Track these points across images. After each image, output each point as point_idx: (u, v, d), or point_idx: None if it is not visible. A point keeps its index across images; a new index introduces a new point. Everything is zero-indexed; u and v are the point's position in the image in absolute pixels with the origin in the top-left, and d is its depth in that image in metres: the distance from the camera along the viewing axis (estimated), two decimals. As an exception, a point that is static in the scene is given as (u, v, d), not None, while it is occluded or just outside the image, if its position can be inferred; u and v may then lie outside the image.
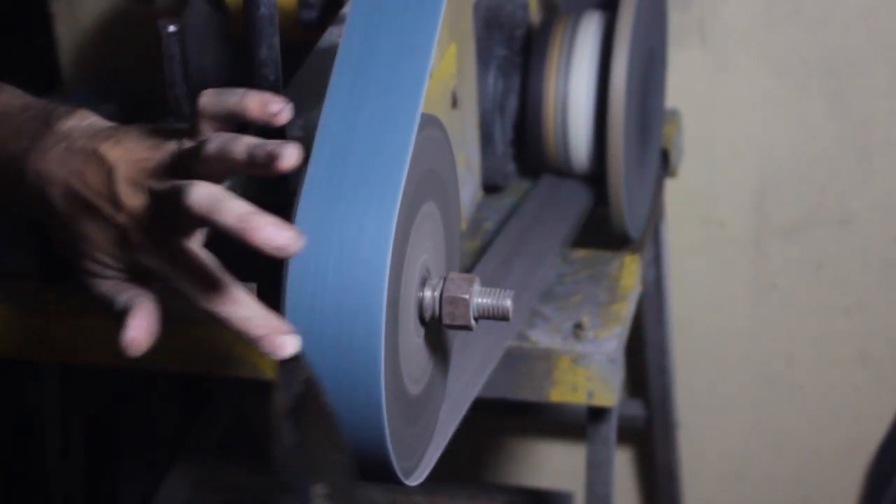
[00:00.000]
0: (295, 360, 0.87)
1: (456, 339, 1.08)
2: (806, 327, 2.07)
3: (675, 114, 1.88)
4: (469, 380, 1.15)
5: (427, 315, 0.96)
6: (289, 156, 0.82)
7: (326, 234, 0.88)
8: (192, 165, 0.87)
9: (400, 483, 0.95)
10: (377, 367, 0.88)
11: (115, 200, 0.88)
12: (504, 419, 2.22)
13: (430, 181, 0.97)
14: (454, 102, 1.43)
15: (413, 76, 0.93)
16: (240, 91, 0.87)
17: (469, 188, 1.55)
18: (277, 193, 1.02)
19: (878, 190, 1.95)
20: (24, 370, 1.74)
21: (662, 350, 2.00)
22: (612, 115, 1.51)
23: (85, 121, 0.93)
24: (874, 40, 1.87)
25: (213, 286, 0.87)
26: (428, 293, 0.96)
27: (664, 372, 2.02)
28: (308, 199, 0.89)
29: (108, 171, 0.88)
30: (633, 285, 1.52)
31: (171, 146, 0.89)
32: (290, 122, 1.06)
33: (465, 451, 2.16)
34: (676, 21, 1.87)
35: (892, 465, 2.10)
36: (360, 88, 0.93)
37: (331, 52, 1.11)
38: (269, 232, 0.81)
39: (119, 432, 2.13)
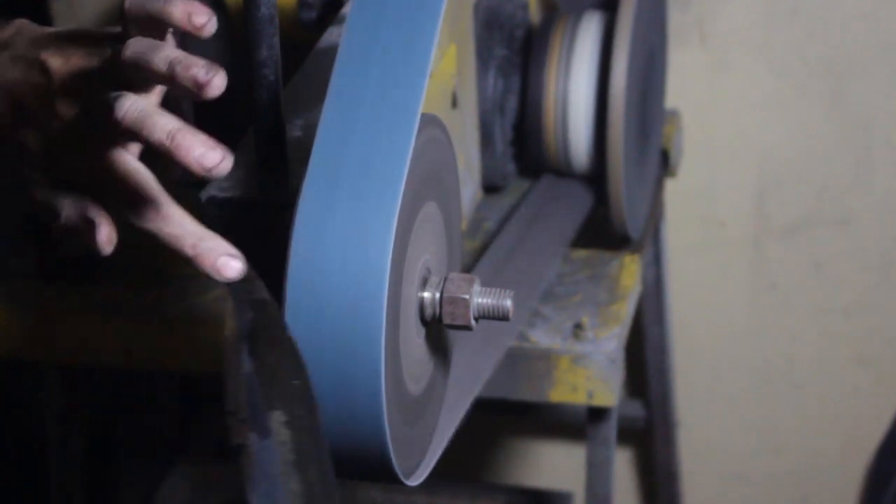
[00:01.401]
0: (245, 284, 0.84)
1: (456, 339, 1.08)
2: (806, 327, 2.07)
3: (675, 114, 1.88)
4: (469, 380, 1.15)
5: (427, 315, 0.97)
6: (216, 86, 0.79)
7: (327, 234, 0.88)
8: (115, 74, 0.84)
9: (400, 483, 0.95)
10: (378, 366, 0.88)
11: (50, 109, 0.87)
12: (504, 419, 2.22)
13: (431, 181, 0.97)
14: (454, 102, 1.43)
15: (413, 76, 0.93)
16: None
17: (469, 188, 1.55)
18: (277, 193, 1.02)
19: (878, 190, 1.95)
20: (24, 370, 1.74)
21: (662, 350, 2.00)
22: (612, 115, 1.51)
23: (25, 28, 0.92)
24: (874, 40, 1.87)
25: (142, 201, 0.85)
26: (428, 293, 0.96)
27: (664, 372, 2.02)
28: (308, 199, 0.89)
29: (48, 79, 0.87)
30: (633, 285, 1.52)
31: (107, 52, 0.87)
32: (290, 122, 1.06)
33: (465, 451, 2.16)
34: (676, 21, 1.87)
35: (892, 465, 2.10)
36: (360, 88, 0.93)
37: (331, 52, 1.11)
38: (198, 151, 0.79)
39: (119, 432, 2.13)
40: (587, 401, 1.44)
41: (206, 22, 0.82)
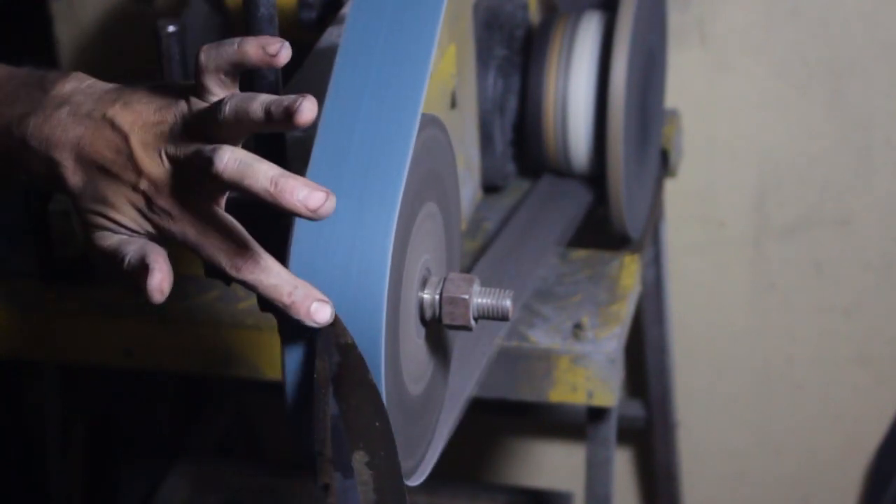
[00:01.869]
0: (332, 328, 0.86)
1: (457, 339, 1.08)
2: (806, 327, 2.07)
3: (675, 114, 1.88)
4: (464, 378, 1.15)
5: (427, 315, 0.97)
6: (306, 109, 0.81)
7: (327, 234, 0.88)
8: (208, 128, 0.86)
9: (400, 483, 0.95)
10: (378, 366, 0.88)
11: (135, 167, 0.87)
12: (504, 419, 2.22)
13: (431, 181, 0.97)
14: (454, 102, 1.43)
15: (413, 76, 0.93)
16: (236, 40, 0.86)
17: (469, 188, 1.55)
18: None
19: (878, 190, 1.95)
20: (24, 370, 1.74)
21: (662, 350, 2.00)
22: (611, 115, 1.51)
23: (83, 83, 0.92)
24: (874, 40, 1.87)
25: (241, 253, 0.86)
26: (428, 293, 0.96)
27: (664, 372, 2.02)
28: (308, 199, 0.89)
29: (122, 138, 0.87)
30: (633, 285, 1.52)
31: (182, 107, 0.88)
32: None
33: (465, 451, 2.16)
34: (676, 21, 1.87)
35: (892, 465, 2.10)
36: (360, 88, 0.93)
37: (331, 52, 1.11)
38: (303, 193, 0.81)
39: (119, 432, 2.13)
40: (587, 401, 1.43)
41: (279, 48, 0.85)
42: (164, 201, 0.87)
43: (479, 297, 0.97)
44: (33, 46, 1.94)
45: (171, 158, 0.86)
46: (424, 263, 0.96)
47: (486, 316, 0.97)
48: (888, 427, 2.10)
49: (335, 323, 0.86)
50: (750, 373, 2.13)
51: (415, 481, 0.98)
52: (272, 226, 0.92)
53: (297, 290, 0.86)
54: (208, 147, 0.84)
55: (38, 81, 0.93)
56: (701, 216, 2.02)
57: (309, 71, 1.19)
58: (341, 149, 0.91)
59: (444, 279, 0.97)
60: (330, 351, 0.86)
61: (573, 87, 1.57)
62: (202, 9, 1.52)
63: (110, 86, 0.92)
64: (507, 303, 0.97)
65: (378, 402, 0.85)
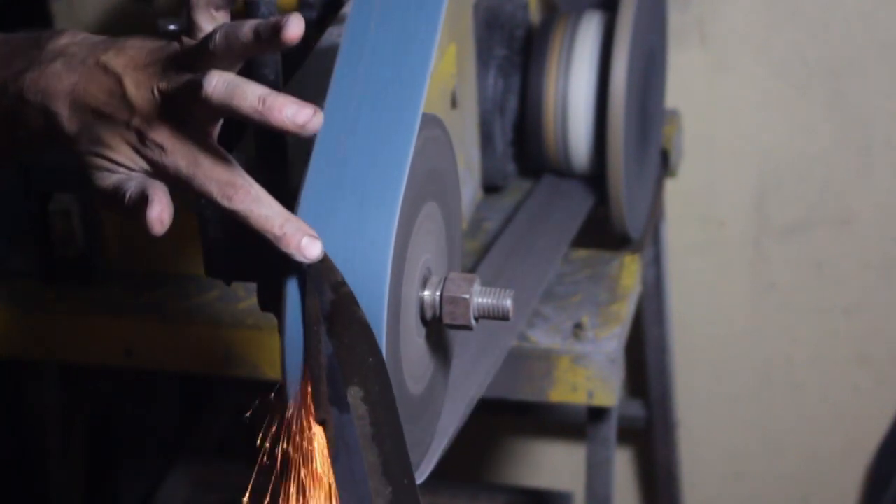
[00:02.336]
0: (322, 266, 0.86)
1: (457, 339, 1.08)
2: (806, 327, 2.07)
3: (675, 114, 1.88)
4: (471, 380, 1.15)
5: (428, 315, 0.97)
6: (294, 25, 0.81)
7: (327, 234, 0.88)
8: (200, 60, 0.86)
9: (400, 483, 0.95)
10: (378, 366, 0.88)
11: (128, 106, 0.88)
12: (504, 419, 2.22)
13: (431, 181, 0.97)
14: (454, 102, 1.43)
15: (413, 76, 0.93)
16: None
17: (469, 188, 1.55)
18: (277, 193, 1.02)
19: (878, 190, 1.95)
20: (24, 370, 1.74)
21: (662, 350, 2.00)
22: (612, 115, 1.51)
23: (77, 37, 0.93)
24: (874, 40, 1.87)
25: (233, 182, 0.86)
26: (429, 293, 0.96)
27: (664, 372, 2.02)
28: (309, 199, 0.89)
29: (116, 80, 0.88)
30: (633, 285, 1.52)
31: (174, 46, 0.89)
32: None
33: (465, 451, 2.16)
34: (676, 21, 1.87)
35: (892, 465, 2.10)
36: (360, 89, 0.93)
37: (331, 52, 1.11)
38: (290, 111, 0.82)
39: (119, 432, 2.13)
40: (587, 401, 1.43)
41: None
42: (156, 135, 0.87)
43: (480, 297, 0.97)
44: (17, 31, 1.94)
45: (162, 92, 0.87)
46: (425, 263, 0.96)
47: (486, 315, 0.97)
48: (888, 427, 2.10)
49: (325, 261, 0.86)
50: (750, 373, 2.12)
51: (415, 481, 0.98)
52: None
53: (289, 223, 0.86)
54: (197, 75, 0.85)
55: (34, 41, 0.95)
56: (701, 216, 2.02)
57: (309, 71, 1.19)
58: (342, 149, 0.91)
59: (445, 279, 0.96)
60: (320, 289, 0.86)
61: (573, 87, 1.57)
62: (202, 9, 1.52)
63: (103, 37, 0.93)
64: (508, 302, 0.97)
65: (371, 338, 0.85)
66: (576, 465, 1.88)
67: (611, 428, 1.53)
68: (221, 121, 0.89)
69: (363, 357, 0.84)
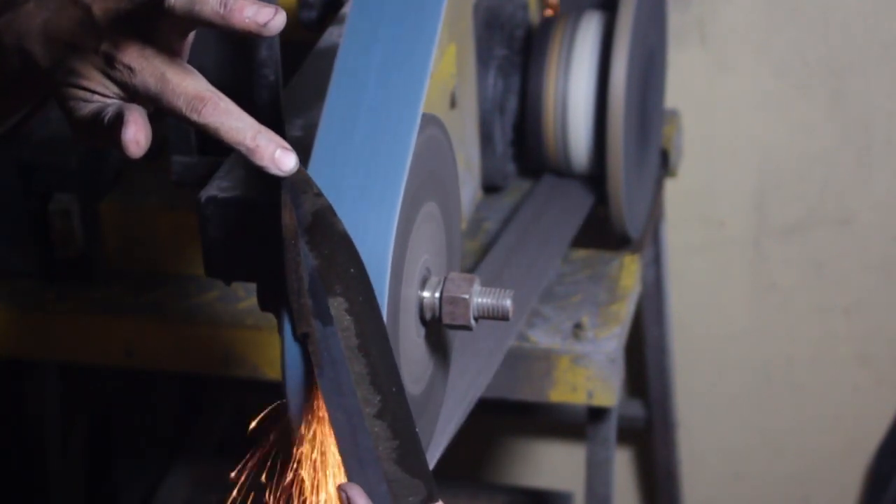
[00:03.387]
0: (298, 178, 0.85)
1: (456, 339, 1.08)
2: (806, 327, 2.07)
3: (675, 114, 1.88)
4: (471, 380, 1.15)
5: (428, 315, 0.96)
6: (276, 20, 0.82)
7: (327, 233, 0.88)
8: (157, 17, 0.86)
9: (400, 483, 0.95)
10: (377, 366, 0.88)
11: (96, 31, 0.88)
12: (504, 419, 2.22)
13: (431, 181, 0.97)
14: (453, 102, 1.43)
15: (414, 76, 0.93)
16: None
17: (469, 188, 1.55)
18: (277, 193, 1.02)
19: (878, 190, 1.95)
20: (24, 370, 1.74)
21: (662, 350, 2.00)
22: (612, 115, 1.51)
23: None
24: (874, 40, 1.87)
25: (201, 96, 0.86)
26: (428, 293, 0.96)
27: (664, 372, 2.02)
28: (308, 198, 0.89)
29: (84, 10, 0.89)
30: (633, 285, 1.52)
31: None
32: (290, 122, 1.07)
33: (465, 451, 2.16)
34: (676, 21, 1.87)
35: (892, 465, 2.10)
36: (360, 88, 0.93)
37: (331, 52, 1.11)
38: (251, 10, 0.82)
39: (119, 432, 2.13)
40: (587, 401, 1.43)
41: None
42: (123, 56, 0.88)
43: (480, 297, 0.97)
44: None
45: (127, 13, 0.88)
46: (424, 263, 0.96)
47: (486, 316, 0.97)
48: (888, 427, 2.10)
49: (300, 172, 0.85)
50: (750, 373, 2.12)
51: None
52: (271, 227, 0.92)
53: (261, 135, 0.85)
54: None
55: None
56: (701, 216, 2.02)
57: (309, 71, 1.19)
58: (342, 148, 0.91)
59: (445, 279, 0.96)
60: (297, 201, 0.85)
61: (573, 87, 1.57)
62: (202, 9, 1.52)
63: None
64: (508, 302, 0.97)
65: (351, 248, 0.84)
66: (576, 465, 1.88)
67: (611, 428, 1.53)
68: (190, 38, 0.89)
69: (345, 268, 0.83)
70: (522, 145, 1.63)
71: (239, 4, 0.82)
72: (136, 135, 0.87)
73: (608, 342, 1.42)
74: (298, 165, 0.85)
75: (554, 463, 2.25)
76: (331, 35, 1.25)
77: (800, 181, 1.97)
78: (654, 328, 1.97)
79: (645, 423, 2.10)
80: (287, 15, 1.28)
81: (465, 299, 0.95)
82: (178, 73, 0.87)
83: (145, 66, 0.87)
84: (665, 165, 1.81)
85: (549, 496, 1.94)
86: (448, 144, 1.01)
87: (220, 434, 2.14)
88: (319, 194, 0.85)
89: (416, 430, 0.85)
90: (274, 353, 1.43)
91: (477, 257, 1.47)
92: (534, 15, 1.69)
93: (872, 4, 1.85)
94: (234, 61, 1.50)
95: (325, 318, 0.82)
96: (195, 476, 1.95)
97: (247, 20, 0.82)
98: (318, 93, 0.95)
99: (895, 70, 1.89)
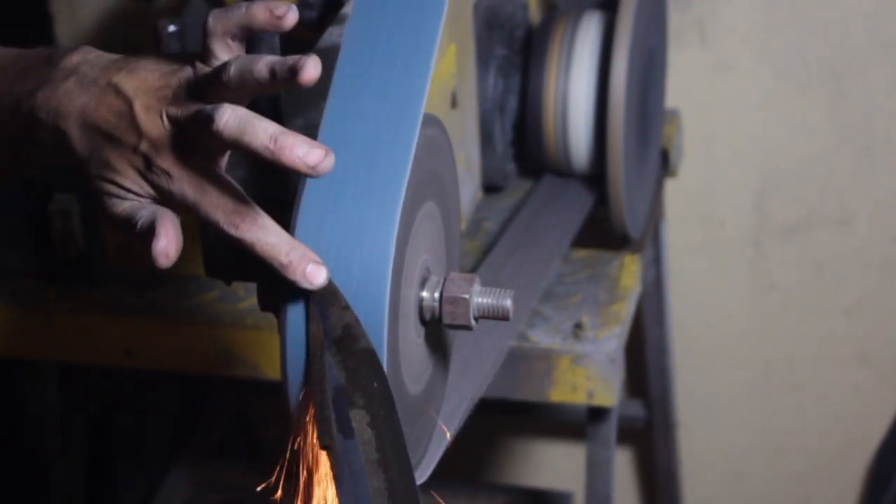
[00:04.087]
0: (326, 291, 0.86)
1: (456, 339, 1.08)
2: (806, 327, 2.07)
3: (675, 114, 1.88)
4: (471, 380, 1.15)
5: (427, 315, 0.96)
6: (311, 67, 0.82)
7: (327, 234, 0.88)
8: (212, 91, 0.86)
9: (400, 483, 0.95)
10: (377, 366, 0.88)
11: (136, 130, 0.87)
12: (504, 419, 2.22)
13: (431, 181, 0.97)
14: (454, 102, 1.43)
15: (414, 76, 0.93)
16: (244, 3, 0.87)
17: (469, 188, 1.55)
18: (280, 192, 1.02)
19: (878, 190, 1.95)
20: (24, 370, 1.74)
21: (662, 350, 2.00)
22: (612, 115, 1.51)
23: (90, 55, 0.93)
24: (874, 40, 1.87)
25: (239, 211, 0.86)
26: (428, 293, 0.96)
27: (664, 372, 2.02)
28: (309, 199, 0.89)
29: (126, 102, 0.88)
30: (633, 285, 1.52)
31: (187, 71, 0.88)
32: (290, 122, 1.06)
33: (465, 451, 2.16)
34: (676, 21, 1.87)
35: (892, 465, 2.10)
36: (361, 88, 0.93)
37: (331, 52, 1.11)
38: (303, 150, 0.82)
39: (119, 432, 2.13)
40: (587, 401, 1.43)
41: (286, 11, 0.85)
42: (163, 161, 0.87)
43: (480, 297, 0.97)
44: (33, 46, 1.94)
45: (171, 119, 0.87)
46: (424, 263, 0.96)
47: (486, 315, 0.97)
48: (888, 427, 2.10)
49: (329, 285, 0.86)
50: (750, 373, 2.12)
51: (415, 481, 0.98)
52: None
53: (295, 251, 0.86)
54: (209, 106, 0.84)
55: (47, 58, 0.94)
56: (701, 216, 2.02)
57: (309, 71, 1.19)
58: (342, 148, 0.90)
59: (445, 279, 0.96)
60: (325, 313, 0.86)
61: (573, 87, 1.57)
62: (202, 9, 1.52)
63: (117, 56, 0.93)
64: (508, 302, 0.97)
65: (376, 363, 0.85)
66: (576, 465, 1.88)
67: (611, 428, 1.53)
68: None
69: (368, 381, 0.84)
70: (522, 145, 1.63)
71: (290, 142, 0.82)
72: (167, 247, 0.87)
73: (608, 342, 1.42)
74: (329, 279, 0.86)
75: (554, 463, 2.26)
76: (331, 35, 1.25)
77: (800, 181, 1.97)
78: (654, 328, 1.97)
79: (645, 423, 2.10)
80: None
81: (465, 299, 0.95)
82: (217, 185, 0.86)
83: (185, 175, 0.87)
84: (665, 165, 1.81)
85: (549, 496, 1.94)
86: (448, 144, 1.01)
87: (220, 434, 2.14)
88: (347, 307, 0.86)
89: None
90: (274, 353, 1.43)
91: (477, 257, 1.47)
92: (534, 15, 1.69)
93: (872, 4, 1.85)
94: (234, 61, 1.50)
95: (347, 431, 0.83)
96: (195, 476, 1.95)
97: (297, 160, 0.82)
98: (318, 93, 0.95)
99: (895, 70, 1.89)
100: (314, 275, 0.86)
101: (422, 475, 0.99)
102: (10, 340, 1.53)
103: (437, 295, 0.96)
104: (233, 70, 0.85)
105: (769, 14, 1.88)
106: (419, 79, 0.93)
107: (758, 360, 2.11)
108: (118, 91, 0.88)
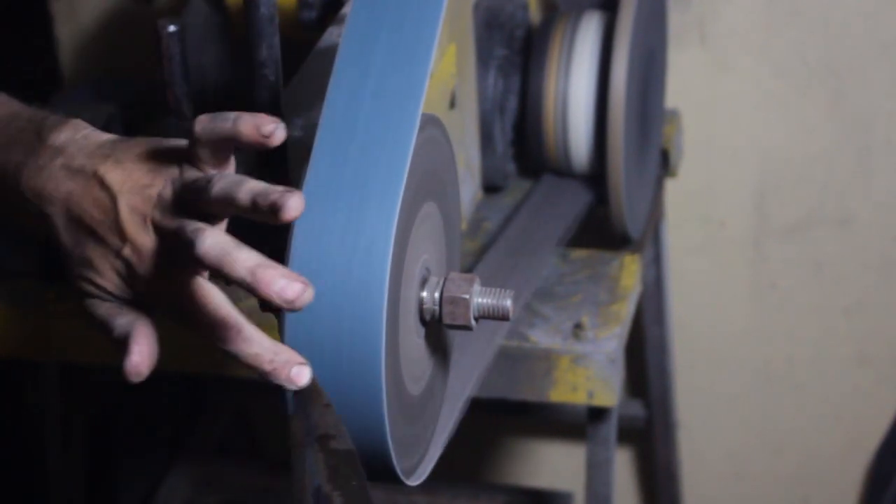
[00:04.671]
0: (309, 389, 0.87)
1: (456, 339, 1.08)
2: (806, 327, 2.07)
3: (675, 114, 1.88)
4: (464, 378, 1.15)
5: (427, 315, 0.97)
6: (292, 207, 0.81)
7: (326, 234, 0.88)
8: (196, 202, 0.86)
9: (400, 483, 0.95)
10: (378, 367, 0.88)
11: (119, 232, 0.87)
12: (504, 419, 2.22)
13: (430, 181, 0.97)
14: (453, 102, 1.43)
15: (413, 76, 0.93)
16: (233, 115, 0.86)
17: (469, 188, 1.55)
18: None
19: (878, 190, 1.95)
20: (24, 370, 1.74)
21: (662, 350, 2.00)
22: (612, 115, 1.51)
23: (79, 133, 0.91)
24: (874, 40, 1.87)
25: (223, 325, 0.86)
26: (428, 293, 0.96)
27: (664, 372, 2.02)
28: (309, 199, 0.89)
29: (111, 199, 0.87)
30: (633, 285, 1.52)
31: (173, 172, 0.88)
32: (290, 122, 1.07)
33: (465, 451, 2.16)
34: (676, 21, 1.87)
35: (892, 465, 2.10)
36: (360, 89, 0.93)
37: (331, 52, 1.11)
38: (280, 285, 0.82)
39: (119, 432, 2.13)
40: (587, 401, 1.43)
41: (273, 129, 0.84)
42: (145, 269, 0.87)
43: (480, 297, 0.97)
44: (33, 46, 1.94)
45: (156, 227, 0.87)
46: (424, 263, 0.96)
47: (486, 316, 0.97)
48: (888, 427, 2.10)
49: (313, 384, 0.87)
50: (750, 373, 2.13)
51: (414, 481, 0.98)
52: (272, 227, 0.92)
53: (278, 357, 0.86)
54: (191, 227, 0.84)
55: (37, 127, 0.92)
56: (701, 216, 2.02)
57: (309, 71, 1.20)
58: (341, 149, 0.91)
59: (445, 279, 0.97)
60: (307, 412, 0.86)
61: (573, 87, 1.57)
62: (202, 9, 1.52)
63: (105, 138, 0.92)
64: (508, 302, 0.97)
65: (355, 463, 0.85)
66: (576, 465, 1.88)
67: (611, 428, 1.53)
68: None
69: (347, 480, 0.84)
70: (522, 145, 1.63)
71: (268, 276, 0.82)
72: (139, 366, 0.87)
73: (608, 342, 1.42)
74: (312, 377, 0.86)
75: (554, 463, 2.26)
76: (331, 35, 1.25)
77: (800, 181, 1.97)
78: (654, 328, 1.97)
79: (645, 423, 2.10)
80: (287, 15, 1.29)
81: (465, 299, 0.96)
82: (199, 296, 0.86)
83: (167, 286, 0.87)
84: (665, 165, 1.81)
85: (549, 496, 1.94)
86: (448, 144, 1.01)
87: (220, 434, 2.14)
88: (329, 405, 0.87)
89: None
90: (274, 353, 1.43)
91: (477, 257, 1.47)
92: (534, 15, 1.69)
93: (872, 4, 1.85)
94: (234, 61, 1.50)
95: None
96: (195, 476, 1.96)
97: (274, 294, 0.82)
98: (318, 93, 0.95)
99: (895, 70, 1.89)
100: (298, 377, 0.86)
101: (420, 476, 0.99)
102: (10, 340, 1.53)
103: (436, 295, 0.96)
104: (216, 190, 0.84)
105: (769, 14, 1.88)
106: (418, 79, 0.93)
107: (758, 360, 2.11)
108: (104, 184, 0.88)
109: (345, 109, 0.92)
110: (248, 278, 0.82)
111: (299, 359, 0.86)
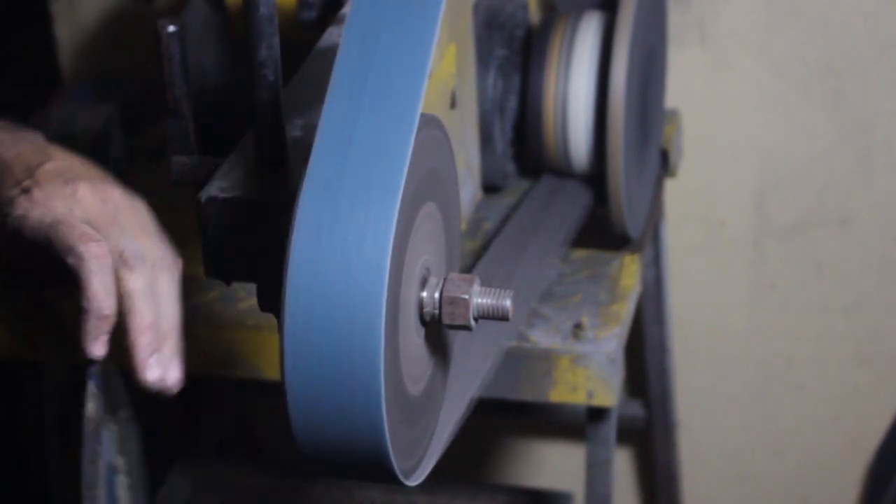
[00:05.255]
0: (101, 368, 0.87)
1: (456, 339, 1.08)
2: (806, 327, 2.07)
3: (675, 114, 1.88)
4: (468, 380, 1.15)
5: (427, 315, 0.97)
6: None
7: (326, 234, 0.88)
8: None
9: (400, 483, 0.95)
10: (377, 367, 0.88)
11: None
12: (504, 419, 2.22)
13: (430, 181, 0.97)
14: (453, 102, 1.43)
15: (413, 76, 0.93)
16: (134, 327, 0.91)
17: (468, 188, 1.55)
18: (277, 193, 1.02)
19: (878, 190, 1.95)
20: (24, 370, 1.74)
21: (662, 350, 2.00)
22: (612, 115, 1.51)
23: (62, 163, 0.95)
24: (874, 40, 1.87)
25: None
26: (428, 293, 0.96)
27: (664, 372, 2.02)
28: (308, 199, 0.89)
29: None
30: (633, 285, 1.52)
31: None
32: (290, 122, 1.07)
33: (465, 451, 2.16)
34: (676, 21, 1.87)
35: (892, 465, 2.10)
36: (359, 89, 0.93)
37: (331, 52, 1.11)
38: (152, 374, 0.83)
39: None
40: (587, 401, 1.44)
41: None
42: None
43: (480, 297, 0.97)
44: (33, 46, 1.94)
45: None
46: (424, 263, 0.96)
47: (486, 316, 0.97)
48: (888, 427, 2.10)
49: (104, 364, 0.87)
50: (750, 373, 2.13)
51: (414, 481, 0.98)
52: (271, 227, 0.92)
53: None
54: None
55: (25, 164, 0.98)
56: (701, 216, 2.02)
57: (309, 71, 1.19)
58: (341, 149, 0.91)
59: (444, 279, 0.97)
60: (101, 390, 0.86)
61: (573, 87, 1.57)
62: (202, 9, 1.52)
63: (85, 169, 0.95)
64: (507, 302, 0.97)
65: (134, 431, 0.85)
66: (576, 465, 1.88)
67: (611, 428, 1.53)
68: None
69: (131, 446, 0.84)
70: (522, 145, 1.63)
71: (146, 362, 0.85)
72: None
73: (608, 342, 1.42)
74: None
75: (554, 463, 2.26)
76: (331, 35, 1.25)
77: (800, 181, 1.97)
78: (654, 328, 1.97)
79: (645, 423, 2.10)
80: (287, 15, 1.29)
81: (465, 299, 0.96)
82: None
83: None
84: (665, 165, 1.81)
85: (549, 496, 1.94)
86: (447, 144, 1.01)
87: (220, 434, 2.14)
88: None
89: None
90: (274, 353, 1.43)
91: (477, 257, 1.47)
92: (534, 15, 1.69)
93: (872, 4, 1.85)
94: (234, 61, 1.51)
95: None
96: (195, 476, 1.95)
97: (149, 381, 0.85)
98: (318, 93, 0.95)
99: (895, 70, 1.89)
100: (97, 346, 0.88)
101: (419, 477, 0.99)
102: (10, 340, 1.53)
103: (436, 295, 0.96)
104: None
105: (769, 14, 1.88)
106: (417, 78, 0.93)
107: (758, 360, 2.11)
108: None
109: (344, 109, 0.92)
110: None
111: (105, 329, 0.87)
